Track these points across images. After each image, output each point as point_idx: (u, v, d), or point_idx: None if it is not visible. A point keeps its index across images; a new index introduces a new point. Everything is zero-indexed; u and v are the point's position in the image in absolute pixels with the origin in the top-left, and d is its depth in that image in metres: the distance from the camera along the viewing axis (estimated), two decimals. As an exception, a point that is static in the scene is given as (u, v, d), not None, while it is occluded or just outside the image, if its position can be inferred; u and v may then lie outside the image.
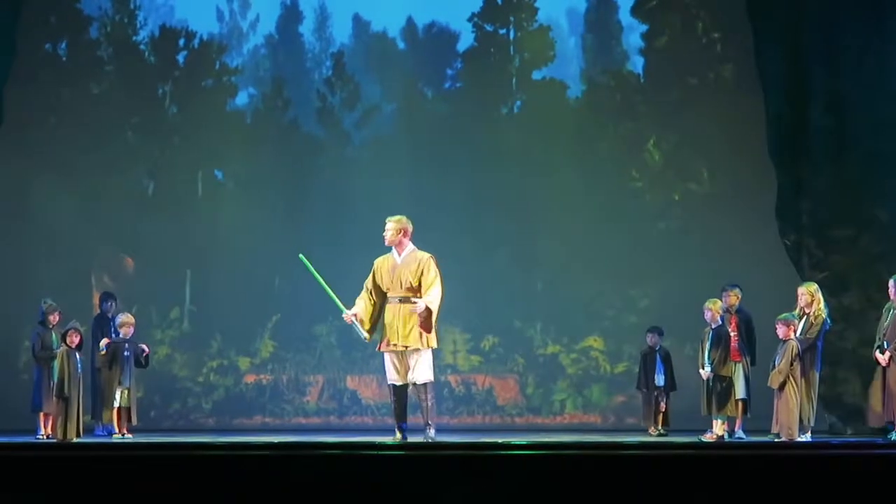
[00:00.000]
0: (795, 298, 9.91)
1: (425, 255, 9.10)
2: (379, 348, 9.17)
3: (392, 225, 9.15)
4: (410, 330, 8.92)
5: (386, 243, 9.17)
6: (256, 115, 14.05)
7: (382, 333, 9.10)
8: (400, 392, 9.09)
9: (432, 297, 8.91)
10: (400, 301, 9.01)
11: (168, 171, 13.73)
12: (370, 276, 9.17)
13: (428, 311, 8.88)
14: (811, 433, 9.75)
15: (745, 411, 10.29)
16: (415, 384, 9.02)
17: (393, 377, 9.09)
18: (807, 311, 9.80)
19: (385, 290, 9.10)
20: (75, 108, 13.58)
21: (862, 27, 11.39)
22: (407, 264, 9.05)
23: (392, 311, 9.05)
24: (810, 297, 9.80)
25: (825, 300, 9.93)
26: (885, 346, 9.67)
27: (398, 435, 8.99)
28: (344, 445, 8.34)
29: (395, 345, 8.99)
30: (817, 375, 9.81)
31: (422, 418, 9.04)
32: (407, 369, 9.03)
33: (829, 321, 9.87)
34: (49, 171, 13.25)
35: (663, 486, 7.40)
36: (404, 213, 9.33)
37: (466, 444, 8.81)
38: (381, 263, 9.16)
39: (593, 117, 13.81)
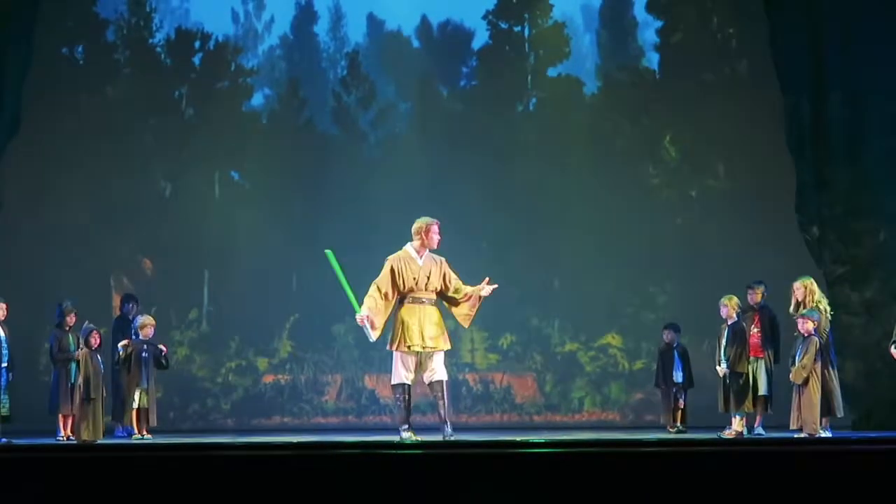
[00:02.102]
0: (791, 294, 9.86)
1: (443, 259, 9.10)
2: (394, 348, 9.00)
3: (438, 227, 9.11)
4: (440, 332, 8.92)
5: (437, 246, 9.05)
6: (272, 115, 14.09)
7: (396, 333, 8.93)
8: (410, 392, 9.06)
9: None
10: (426, 303, 8.95)
11: (185, 173, 13.78)
12: (387, 276, 8.93)
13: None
14: (832, 428, 9.72)
15: (766, 408, 10.23)
16: (432, 382, 8.99)
17: (408, 377, 9.01)
18: (810, 306, 9.78)
19: (406, 290, 8.96)
20: (92, 111, 13.64)
21: (879, 19, 11.30)
22: (428, 266, 8.97)
23: (416, 313, 8.90)
24: (808, 292, 9.78)
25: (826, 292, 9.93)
26: (899, 342, 9.59)
27: (413, 434, 8.96)
28: (363, 445, 8.33)
29: (414, 346, 8.90)
30: (835, 366, 9.83)
31: (439, 417, 9.01)
32: (423, 369, 9.00)
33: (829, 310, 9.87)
34: (67, 174, 13.32)
35: (682, 483, 7.37)
36: (421, 211, 9.26)
37: (485, 443, 8.78)
38: (400, 264, 8.95)
39: (609, 114, 13.78)
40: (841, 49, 11.40)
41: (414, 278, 8.94)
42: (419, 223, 9.05)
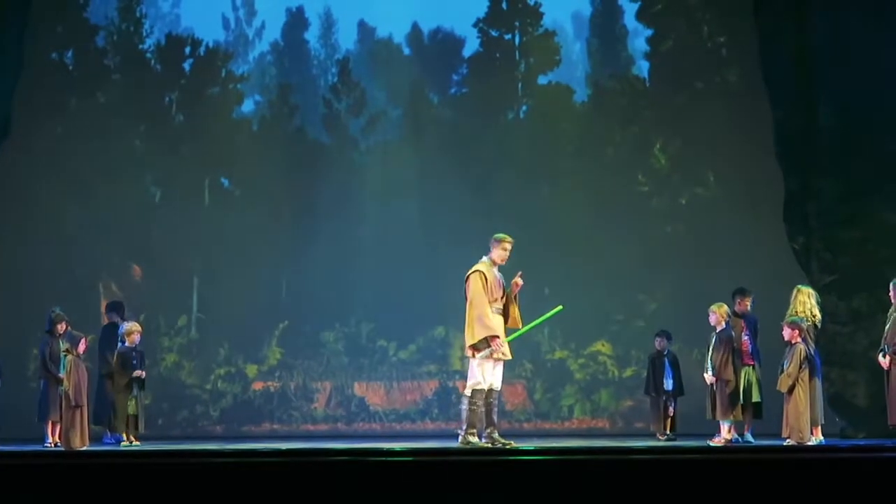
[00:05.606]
0: (791, 301, 9.92)
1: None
2: (481, 355, 9.09)
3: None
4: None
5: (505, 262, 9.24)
6: (263, 122, 14.09)
7: (486, 340, 9.01)
8: None
9: None
10: (501, 312, 9.19)
11: (175, 179, 13.76)
12: (486, 286, 9.09)
13: None
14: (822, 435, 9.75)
15: (757, 415, 10.25)
16: (493, 389, 9.21)
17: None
18: (799, 314, 9.81)
19: (492, 300, 9.15)
20: (82, 116, 13.62)
21: (868, 29, 11.35)
22: (499, 278, 9.27)
23: (498, 321, 9.14)
24: (797, 301, 9.84)
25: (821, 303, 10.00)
26: (886, 350, 9.61)
27: (484, 440, 9.13)
28: (352, 452, 8.33)
29: (503, 353, 9.07)
30: (820, 375, 9.89)
31: (491, 422, 9.18)
32: (493, 376, 9.21)
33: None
34: (56, 180, 13.28)
35: (671, 490, 7.38)
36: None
37: (474, 450, 8.79)
38: (488, 275, 9.15)
39: (599, 122, 13.81)
40: (829, 59, 11.45)
41: (500, 288, 9.23)
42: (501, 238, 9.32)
